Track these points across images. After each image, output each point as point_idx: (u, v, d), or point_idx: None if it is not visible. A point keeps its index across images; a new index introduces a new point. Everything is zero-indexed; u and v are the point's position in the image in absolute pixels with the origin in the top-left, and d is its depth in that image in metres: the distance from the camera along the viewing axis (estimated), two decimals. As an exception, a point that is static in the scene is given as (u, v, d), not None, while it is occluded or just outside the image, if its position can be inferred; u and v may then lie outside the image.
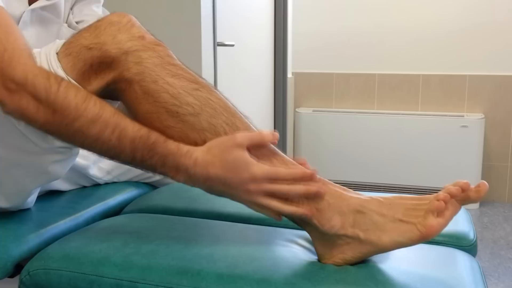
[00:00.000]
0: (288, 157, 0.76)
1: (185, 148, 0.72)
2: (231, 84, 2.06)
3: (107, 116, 0.72)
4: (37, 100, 0.70)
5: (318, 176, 0.74)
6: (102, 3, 1.10)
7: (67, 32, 0.96)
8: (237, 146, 0.71)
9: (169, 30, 1.72)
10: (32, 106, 0.70)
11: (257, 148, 0.73)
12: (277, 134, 0.74)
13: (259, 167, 0.71)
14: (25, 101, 0.70)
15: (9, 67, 0.70)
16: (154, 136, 0.73)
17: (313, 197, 0.71)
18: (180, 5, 1.71)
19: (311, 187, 0.71)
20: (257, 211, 0.74)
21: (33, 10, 0.91)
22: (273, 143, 0.74)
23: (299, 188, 0.71)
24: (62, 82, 0.72)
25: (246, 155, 0.71)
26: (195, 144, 0.73)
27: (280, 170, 0.71)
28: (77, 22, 1.03)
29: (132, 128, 0.72)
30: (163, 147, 0.72)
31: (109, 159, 0.77)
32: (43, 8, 0.92)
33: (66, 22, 1.00)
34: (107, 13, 1.05)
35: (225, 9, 1.94)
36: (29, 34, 0.90)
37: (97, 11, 1.07)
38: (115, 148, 0.72)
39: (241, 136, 0.72)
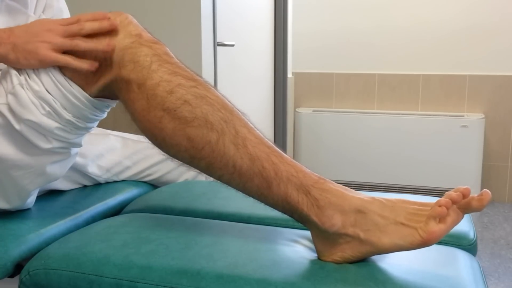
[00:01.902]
0: None
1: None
2: (231, 84, 2.06)
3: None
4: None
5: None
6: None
7: None
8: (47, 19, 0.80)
9: (169, 30, 1.72)
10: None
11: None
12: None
13: (53, 20, 0.80)
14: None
15: None
16: None
17: (102, 50, 0.76)
18: (180, 5, 1.71)
19: (105, 21, 0.77)
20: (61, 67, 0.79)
21: (1, 0, 0.91)
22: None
23: (91, 23, 0.77)
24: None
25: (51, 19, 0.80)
26: (192, 141, 0.73)
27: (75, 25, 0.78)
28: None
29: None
30: None
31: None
32: None
33: (39, 13, 1.01)
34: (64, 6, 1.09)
35: (225, 9, 1.94)
36: None
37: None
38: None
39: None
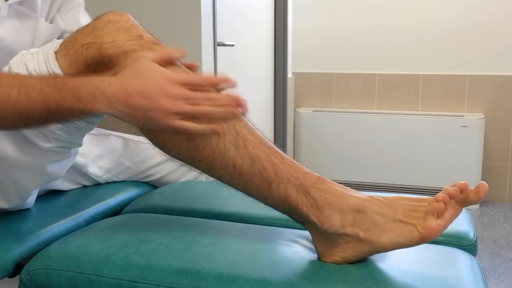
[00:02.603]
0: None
1: (95, 76, 0.72)
2: (231, 84, 2.06)
3: (8, 79, 0.71)
4: None
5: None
6: (83, 6, 1.09)
7: (45, 28, 0.96)
8: (147, 60, 0.72)
9: (169, 30, 1.72)
10: None
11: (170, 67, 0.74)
12: (185, 50, 0.74)
13: (173, 73, 0.72)
14: None
15: None
16: (61, 77, 0.72)
17: (232, 116, 0.72)
18: (180, 5, 1.71)
19: (236, 96, 0.72)
20: (182, 132, 0.73)
21: (10, 4, 0.91)
22: (181, 58, 0.75)
23: (221, 96, 0.72)
24: None
25: (157, 65, 0.72)
26: (192, 143, 0.73)
27: (195, 75, 0.73)
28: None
29: (37, 80, 0.71)
30: (73, 80, 0.71)
31: (26, 126, 0.75)
32: (19, 2, 0.92)
33: (48, 21, 1.00)
34: (88, 20, 1.06)
35: (225, 9, 1.94)
36: (7, 28, 0.90)
37: (78, 18, 1.06)
38: (27, 106, 0.70)
39: (148, 53, 0.73)
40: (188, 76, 0.72)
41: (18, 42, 0.92)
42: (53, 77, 0.72)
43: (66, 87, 0.70)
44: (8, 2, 0.91)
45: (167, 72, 0.71)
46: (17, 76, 0.72)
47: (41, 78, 0.72)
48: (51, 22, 1.00)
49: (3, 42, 0.90)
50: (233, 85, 0.73)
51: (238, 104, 0.72)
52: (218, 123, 0.72)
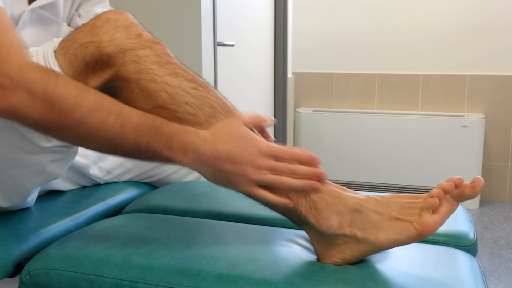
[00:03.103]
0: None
1: (191, 128, 0.72)
2: (231, 84, 2.06)
3: (109, 104, 0.70)
4: (33, 95, 0.68)
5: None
6: (107, 3, 1.09)
7: (67, 32, 0.96)
8: (243, 123, 0.72)
9: (169, 30, 1.72)
10: (26, 101, 0.68)
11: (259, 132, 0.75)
12: (275, 120, 0.75)
13: (266, 143, 0.72)
14: (18, 97, 0.67)
15: (5, 63, 0.68)
16: (160, 119, 0.71)
17: (311, 189, 0.72)
18: (180, 5, 1.71)
19: (318, 169, 0.71)
20: (256, 198, 0.74)
21: (32, 9, 0.91)
22: (269, 126, 0.77)
23: (303, 168, 0.71)
24: (59, 75, 0.71)
25: (252, 132, 0.72)
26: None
27: (286, 148, 0.72)
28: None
29: (136, 114, 0.71)
30: (170, 126, 0.71)
31: (110, 153, 0.75)
32: (42, 7, 0.92)
33: (67, 23, 1.00)
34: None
35: (225, 9, 1.94)
36: (28, 33, 0.90)
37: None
38: (119, 136, 0.70)
39: (246, 116, 0.73)
40: (277, 148, 0.72)
41: None
42: (152, 116, 0.71)
43: (162, 131, 0.70)
44: (31, 6, 0.91)
45: (259, 141, 0.72)
46: (118, 104, 0.71)
47: (140, 113, 0.71)
48: (70, 22, 1.00)
49: None
50: (318, 162, 0.73)
51: (318, 178, 0.72)
52: (293, 196, 0.72)
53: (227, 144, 0.70)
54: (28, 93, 0.68)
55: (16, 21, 0.87)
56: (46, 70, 0.70)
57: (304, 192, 0.72)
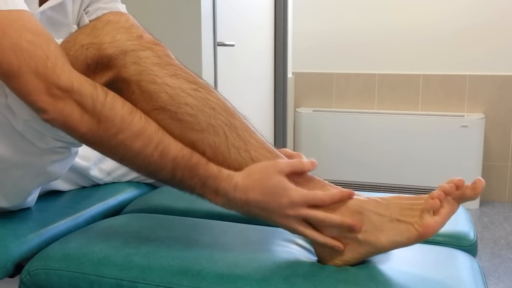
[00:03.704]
0: (324, 181, 0.75)
1: (225, 172, 0.72)
2: (231, 84, 2.06)
3: (151, 131, 0.71)
4: (83, 108, 0.70)
5: (324, 181, 0.74)
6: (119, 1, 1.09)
7: None
8: (278, 172, 0.71)
9: (169, 30, 1.72)
10: (76, 114, 0.70)
11: (297, 175, 0.73)
12: (315, 162, 0.74)
13: (298, 192, 0.71)
14: (70, 108, 0.69)
15: (54, 74, 0.69)
16: (196, 157, 0.72)
17: (347, 229, 0.70)
18: (180, 5, 1.71)
19: (347, 220, 0.70)
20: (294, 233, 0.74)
21: (42, 12, 0.90)
22: (308, 171, 0.75)
23: (335, 218, 0.70)
24: (108, 92, 0.72)
25: (286, 181, 0.71)
26: (193, 145, 0.73)
27: (318, 193, 0.71)
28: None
29: (175, 147, 0.72)
30: (205, 169, 0.72)
31: (147, 176, 0.76)
32: (51, 8, 0.91)
33: (76, 24, 0.99)
34: (123, 7, 1.05)
35: (225, 9, 1.94)
36: None
37: (113, 6, 1.05)
38: (156, 164, 0.72)
39: (283, 163, 0.72)
40: (311, 198, 0.71)
41: None
42: (190, 152, 0.72)
43: (196, 171, 0.72)
44: (41, 9, 0.91)
45: (292, 192, 0.71)
46: (160, 132, 0.72)
47: (179, 146, 0.72)
48: (79, 23, 0.99)
49: None
50: (351, 195, 0.72)
51: (351, 229, 0.71)
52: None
53: (257, 194, 0.71)
54: (79, 106, 0.70)
55: None
56: (95, 85, 0.72)
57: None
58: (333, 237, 0.71)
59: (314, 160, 0.74)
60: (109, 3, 1.05)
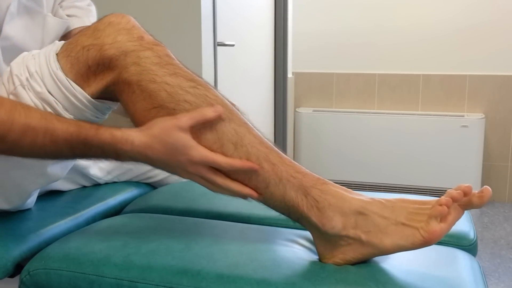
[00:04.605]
0: (324, 179, 0.75)
1: (119, 134, 0.73)
2: (231, 84, 2.06)
3: (34, 123, 0.72)
4: None
5: (324, 180, 0.74)
6: None
7: (53, 22, 0.96)
8: (178, 128, 0.72)
9: (169, 30, 1.72)
10: None
11: (212, 129, 0.73)
12: (220, 108, 0.73)
13: (198, 152, 0.72)
14: None
15: None
16: (84, 131, 0.73)
17: (245, 196, 0.74)
18: (180, 5, 1.71)
19: (244, 189, 0.73)
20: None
21: (18, 1, 0.90)
22: (218, 118, 0.74)
23: (232, 185, 0.73)
24: None
25: (186, 137, 0.72)
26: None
27: (218, 157, 0.72)
28: (68, 15, 1.03)
29: (61, 128, 0.73)
30: (97, 139, 0.73)
31: (56, 161, 0.78)
32: None
33: (52, 13, 1.00)
34: (93, 8, 1.06)
35: (225, 9, 1.94)
36: (17, 25, 0.90)
37: (83, 5, 1.07)
38: (54, 151, 0.73)
39: (183, 118, 0.72)
40: (211, 158, 0.72)
41: (28, 39, 0.92)
42: (76, 128, 0.73)
43: (90, 144, 0.73)
44: None
45: (192, 150, 0.72)
46: (43, 119, 0.73)
47: (64, 126, 0.73)
48: (55, 14, 1.00)
49: (14, 40, 0.89)
50: (255, 168, 0.73)
51: (250, 195, 0.73)
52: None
53: (157, 151, 0.72)
54: None
55: (4, 13, 0.87)
56: None
57: (303, 190, 0.72)
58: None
59: (218, 106, 0.73)
60: (81, 1, 1.06)
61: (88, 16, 1.06)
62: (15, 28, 0.89)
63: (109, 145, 0.73)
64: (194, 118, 0.72)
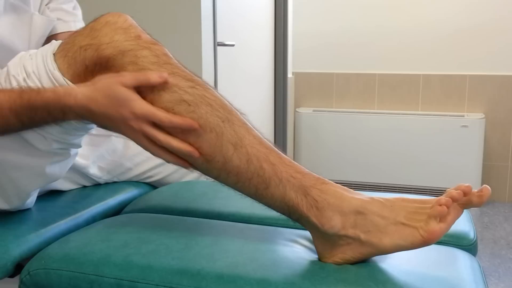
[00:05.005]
0: (325, 179, 0.74)
1: (61, 90, 0.73)
2: (231, 84, 2.06)
3: None
4: None
5: (324, 179, 0.73)
6: (74, 1, 1.10)
7: (39, 21, 0.96)
8: (122, 84, 0.72)
9: (169, 30, 1.72)
10: None
11: (158, 92, 0.74)
12: (164, 74, 0.73)
13: (140, 105, 0.72)
14: None
15: None
16: (26, 93, 0.73)
17: (186, 155, 0.73)
18: (180, 5, 1.71)
19: (186, 147, 0.73)
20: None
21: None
22: (160, 83, 0.74)
23: (173, 141, 0.73)
24: None
25: (130, 92, 0.72)
26: (192, 142, 0.73)
27: (160, 113, 0.72)
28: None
29: (3, 98, 0.73)
30: (40, 99, 0.73)
31: (6, 134, 0.78)
32: None
33: (39, 13, 1.00)
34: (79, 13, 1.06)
35: (225, 9, 1.94)
36: (4, 23, 0.90)
37: (70, 10, 1.07)
38: (3, 123, 0.74)
39: (127, 75, 0.73)
40: (153, 114, 0.72)
41: (15, 37, 0.92)
42: (17, 93, 0.74)
43: (34, 106, 0.73)
44: None
45: (135, 103, 0.72)
46: None
47: (7, 94, 0.74)
48: (38, 12, 1.00)
49: (1, 38, 0.89)
50: (195, 127, 0.73)
51: (189, 155, 0.73)
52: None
53: (100, 105, 0.73)
54: None
55: None
56: None
57: (303, 190, 0.72)
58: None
59: (164, 73, 0.73)
60: (67, 3, 1.06)
61: (74, 21, 1.06)
62: (2, 26, 0.89)
63: (53, 102, 0.73)
64: (137, 78, 0.73)
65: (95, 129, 1.01)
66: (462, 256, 0.79)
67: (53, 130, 0.80)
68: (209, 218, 0.93)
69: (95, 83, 0.73)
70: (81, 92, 0.73)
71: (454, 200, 0.66)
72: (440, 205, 0.65)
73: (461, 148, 2.78)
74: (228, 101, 0.77)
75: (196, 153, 0.73)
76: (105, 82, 0.73)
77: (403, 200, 0.71)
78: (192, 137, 0.73)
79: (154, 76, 0.73)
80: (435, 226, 0.65)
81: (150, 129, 0.73)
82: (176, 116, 0.72)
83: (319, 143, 3.04)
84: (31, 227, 0.86)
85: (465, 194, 0.66)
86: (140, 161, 1.17)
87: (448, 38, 2.90)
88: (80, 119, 0.75)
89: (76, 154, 0.91)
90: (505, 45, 2.82)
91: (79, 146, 0.88)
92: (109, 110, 0.72)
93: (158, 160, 1.17)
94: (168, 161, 0.76)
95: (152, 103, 0.73)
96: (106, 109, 0.72)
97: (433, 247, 0.80)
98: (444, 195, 0.67)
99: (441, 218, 0.66)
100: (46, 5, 1.02)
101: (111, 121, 0.73)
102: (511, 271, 2.07)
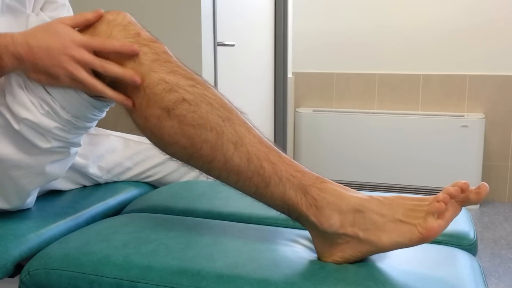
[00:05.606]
0: (324, 178, 0.74)
1: (1, 33, 0.75)
2: (231, 84, 2.06)
3: None
4: None
5: (324, 178, 0.73)
6: (67, 5, 1.10)
7: (35, 22, 0.96)
8: (61, 22, 0.74)
9: (169, 30, 1.72)
10: None
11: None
12: (100, 11, 0.75)
13: (80, 35, 0.74)
14: None
15: None
16: None
17: (128, 82, 0.73)
18: (180, 5, 1.71)
19: (127, 72, 0.73)
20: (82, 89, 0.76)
21: (2, 0, 0.91)
22: (96, 17, 0.76)
23: (115, 68, 0.73)
24: None
25: (69, 27, 0.74)
26: (190, 140, 0.73)
27: (98, 38, 0.74)
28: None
29: None
30: None
31: None
32: None
33: (33, 11, 1.00)
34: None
35: (225, 9, 1.94)
36: (1, 24, 0.90)
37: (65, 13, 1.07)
38: None
39: (65, 17, 0.75)
40: (93, 40, 0.74)
41: None
42: None
43: None
44: None
45: (75, 33, 0.74)
46: None
47: None
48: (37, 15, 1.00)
49: None
50: (136, 52, 0.73)
51: (132, 83, 0.73)
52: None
53: (39, 37, 0.73)
54: None
55: None
56: None
57: (302, 189, 0.72)
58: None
59: (99, 10, 0.76)
60: (57, 9, 1.06)
61: None
62: None
63: None
64: (75, 19, 0.75)
65: (94, 129, 1.01)
66: (462, 256, 0.79)
67: (52, 129, 0.80)
68: (209, 218, 0.93)
69: (31, 28, 0.75)
70: (19, 33, 0.74)
71: (451, 196, 0.66)
72: (438, 201, 0.66)
73: (461, 148, 2.78)
74: (228, 100, 0.77)
75: (138, 80, 0.73)
76: (42, 25, 0.74)
77: (401, 198, 0.71)
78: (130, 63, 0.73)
79: (90, 15, 0.75)
80: (433, 223, 0.66)
81: (92, 56, 0.73)
82: (115, 39, 0.74)
83: (319, 143, 3.04)
84: (31, 227, 0.86)
85: (462, 190, 0.66)
86: (139, 160, 1.17)
87: (448, 38, 2.90)
88: (16, 63, 0.74)
89: (76, 153, 0.91)
90: (505, 45, 2.82)
91: (78, 145, 0.88)
92: (49, 40, 0.73)
93: (158, 159, 1.17)
94: (109, 96, 0.75)
95: (149, 98, 0.73)
96: (45, 40, 0.73)
97: (433, 247, 0.80)
98: (441, 191, 0.67)
99: (439, 214, 0.66)
100: (40, 8, 1.02)
101: (50, 54, 0.73)
102: (511, 271, 2.07)
